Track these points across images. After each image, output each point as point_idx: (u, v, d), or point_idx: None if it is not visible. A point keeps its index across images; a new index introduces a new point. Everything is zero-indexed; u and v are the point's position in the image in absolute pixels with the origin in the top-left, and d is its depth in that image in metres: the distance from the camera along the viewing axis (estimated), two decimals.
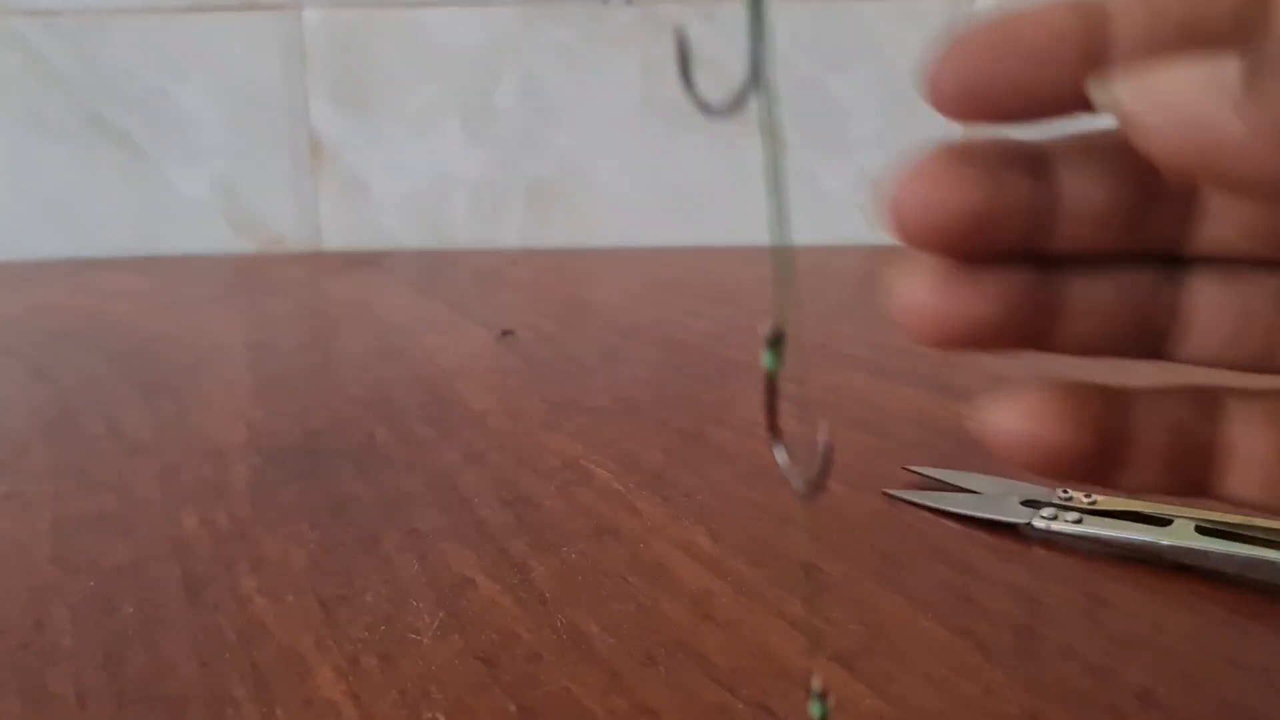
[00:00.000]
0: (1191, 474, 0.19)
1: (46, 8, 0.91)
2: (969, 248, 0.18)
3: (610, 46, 0.92)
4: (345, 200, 0.95)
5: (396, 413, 0.49)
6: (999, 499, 0.37)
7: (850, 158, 0.92)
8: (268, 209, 0.95)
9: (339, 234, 0.95)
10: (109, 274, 0.86)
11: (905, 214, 0.18)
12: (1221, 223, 0.19)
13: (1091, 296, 0.19)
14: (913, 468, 0.40)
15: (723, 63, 0.79)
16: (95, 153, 0.93)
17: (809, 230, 0.85)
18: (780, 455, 0.17)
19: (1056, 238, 0.19)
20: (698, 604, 0.31)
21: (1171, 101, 0.15)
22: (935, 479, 0.39)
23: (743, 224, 0.88)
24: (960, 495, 0.37)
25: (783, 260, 0.16)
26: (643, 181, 0.93)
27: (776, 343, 0.17)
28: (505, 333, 0.64)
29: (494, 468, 0.42)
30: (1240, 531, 0.32)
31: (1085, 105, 0.17)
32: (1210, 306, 0.19)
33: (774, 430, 0.17)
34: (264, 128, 0.93)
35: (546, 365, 0.57)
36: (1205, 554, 0.32)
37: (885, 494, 0.38)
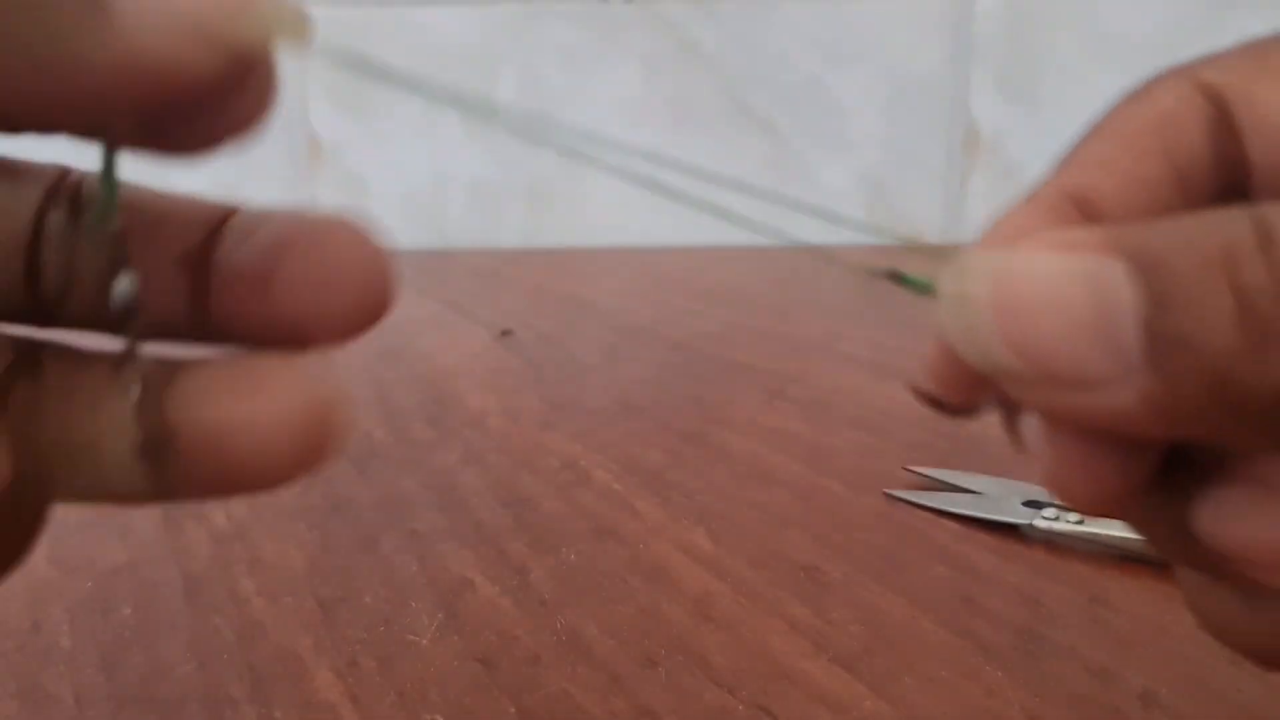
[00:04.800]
0: None
1: None
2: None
3: (610, 44, 0.92)
4: (344, 199, 0.95)
5: (395, 412, 0.48)
6: (1000, 499, 0.37)
7: (851, 156, 0.92)
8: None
9: None
10: None
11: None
12: None
13: None
14: (914, 468, 0.40)
15: (721, 60, 0.79)
16: None
17: (809, 229, 0.84)
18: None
19: None
20: (698, 605, 0.31)
21: (1036, 325, 0.13)
22: (936, 479, 0.39)
23: (739, 229, 0.88)
24: (961, 495, 0.37)
25: None
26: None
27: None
28: (504, 332, 0.64)
29: (493, 468, 0.41)
30: None
31: None
32: None
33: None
34: (262, 129, 0.93)
35: (546, 365, 0.56)
36: None
37: (886, 494, 0.38)
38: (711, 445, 0.44)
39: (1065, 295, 0.13)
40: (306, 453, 0.15)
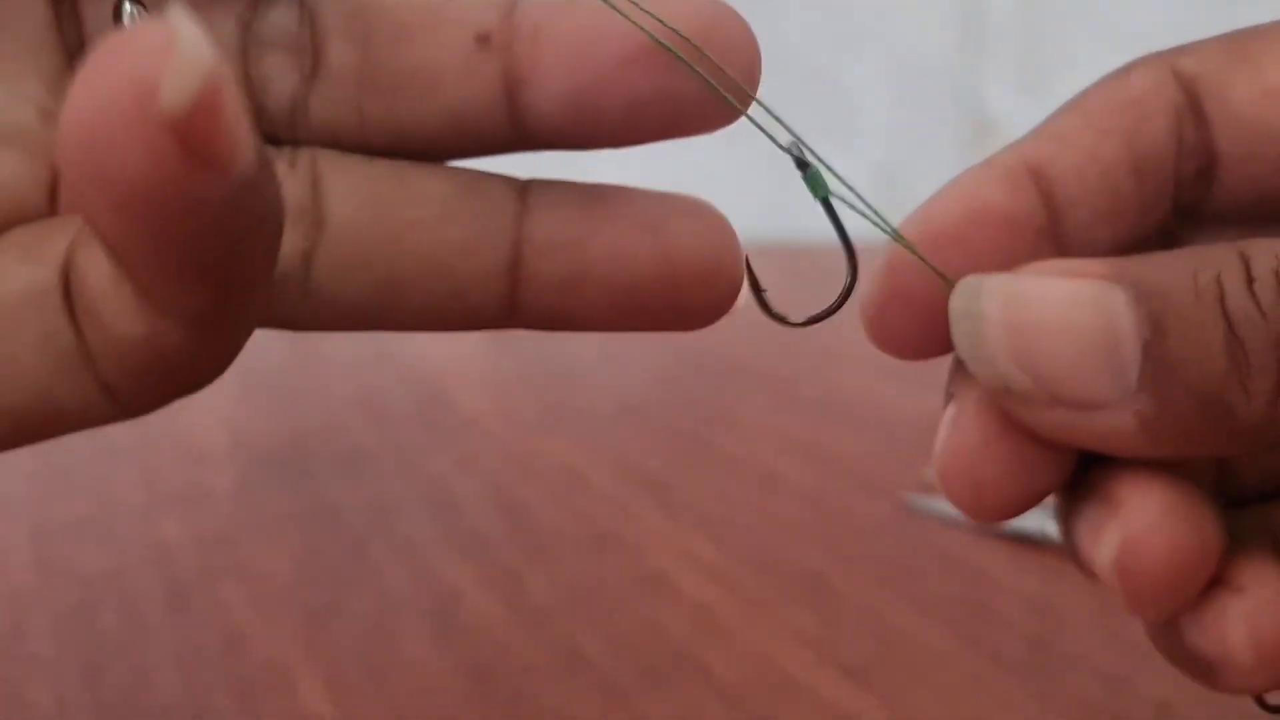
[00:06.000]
0: None
1: None
2: None
3: None
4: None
5: (385, 416, 0.48)
6: None
7: (861, 148, 0.91)
8: None
9: None
10: None
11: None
12: None
13: None
14: (925, 473, 0.39)
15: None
16: None
17: (817, 223, 0.84)
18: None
19: None
20: (700, 615, 0.31)
21: (1046, 345, 0.14)
22: None
23: (747, 220, 0.87)
24: None
25: None
26: (644, 177, 0.92)
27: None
28: (497, 333, 0.63)
29: (487, 473, 0.41)
30: None
31: None
32: None
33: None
34: None
35: (542, 366, 0.56)
36: None
37: (896, 500, 0.38)
38: (714, 449, 0.44)
39: (1074, 319, 0.14)
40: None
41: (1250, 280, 0.13)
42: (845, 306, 0.17)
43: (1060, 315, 0.14)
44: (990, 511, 0.16)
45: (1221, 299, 0.13)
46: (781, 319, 0.17)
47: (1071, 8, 0.86)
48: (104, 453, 0.44)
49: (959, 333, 0.15)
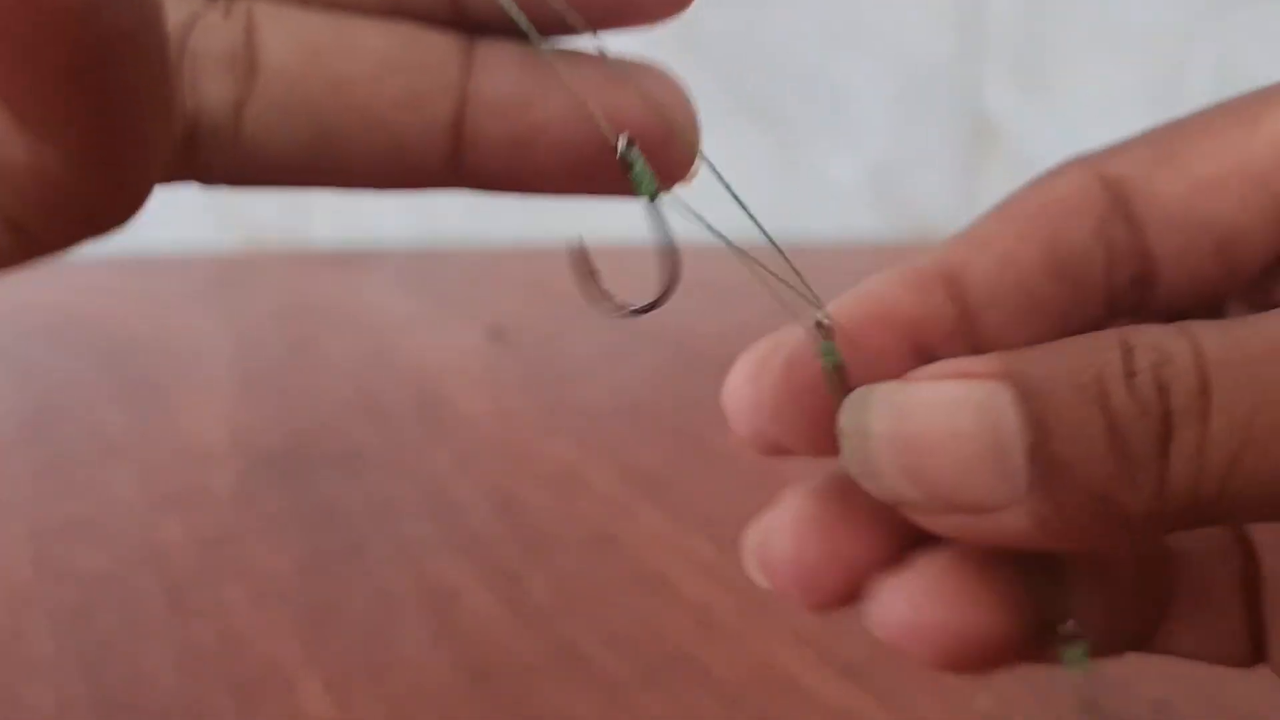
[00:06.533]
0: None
1: None
2: None
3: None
4: (333, 194, 0.94)
5: (384, 415, 0.48)
6: None
7: (859, 148, 0.91)
8: (255, 203, 0.94)
9: (327, 228, 0.95)
10: (87, 271, 0.85)
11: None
12: None
13: None
14: None
15: (722, 49, 0.79)
16: None
17: (816, 224, 0.84)
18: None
19: None
20: (699, 615, 0.31)
21: (932, 458, 0.14)
22: None
23: (748, 219, 0.87)
24: None
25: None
26: None
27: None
28: (497, 332, 0.63)
29: (486, 473, 0.41)
30: None
31: None
32: None
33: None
34: None
35: (542, 366, 0.56)
36: None
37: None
38: (714, 448, 0.44)
39: (959, 427, 0.14)
40: None
41: (1131, 374, 0.13)
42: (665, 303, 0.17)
43: (946, 424, 0.14)
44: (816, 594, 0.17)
45: (1103, 397, 0.13)
46: (610, 305, 0.17)
47: (1071, 9, 0.86)
48: (103, 453, 0.44)
49: (847, 449, 0.15)
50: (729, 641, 0.29)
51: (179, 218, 0.96)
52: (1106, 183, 0.16)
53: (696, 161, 0.17)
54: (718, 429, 0.48)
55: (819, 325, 0.15)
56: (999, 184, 0.88)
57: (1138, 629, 0.17)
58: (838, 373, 0.15)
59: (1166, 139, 0.17)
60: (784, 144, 0.93)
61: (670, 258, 0.17)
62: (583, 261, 0.17)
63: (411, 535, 0.36)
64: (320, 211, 0.94)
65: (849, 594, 0.17)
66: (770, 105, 1.02)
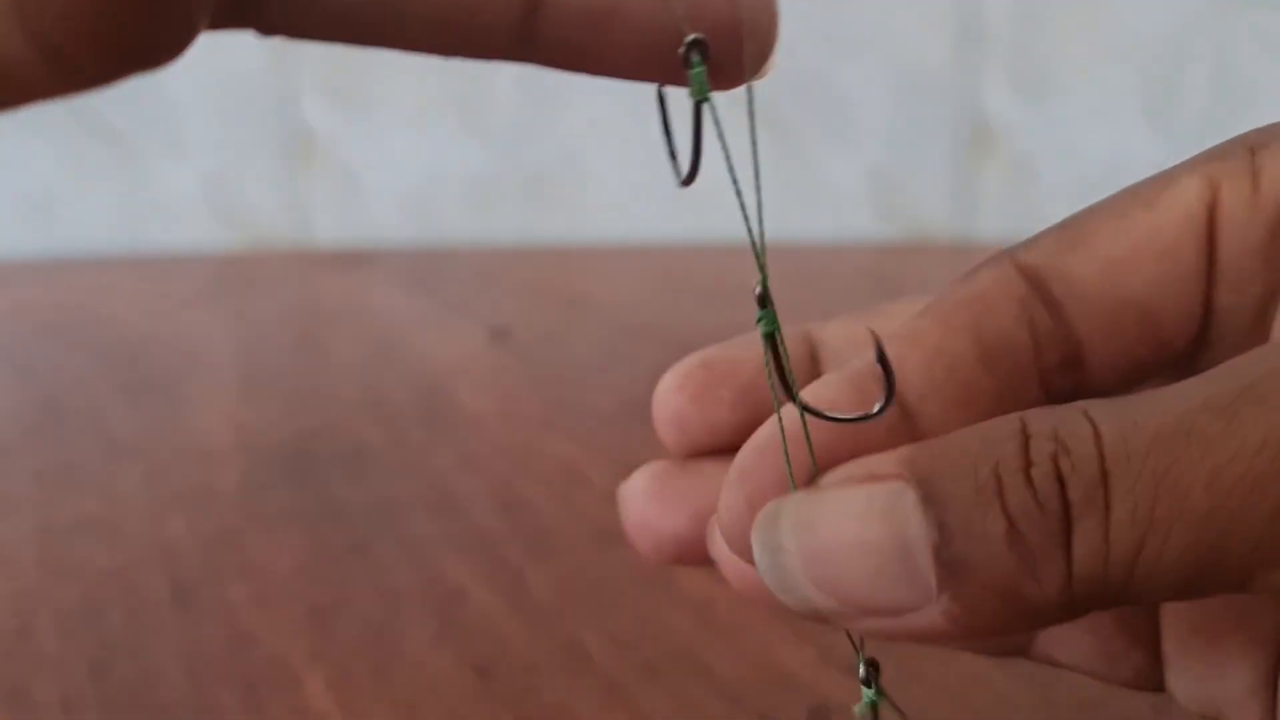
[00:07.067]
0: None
1: None
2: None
3: None
4: (337, 195, 0.94)
5: (388, 414, 0.48)
6: None
7: (857, 150, 0.91)
8: (257, 204, 0.94)
9: (330, 229, 0.95)
10: (94, 270, 0.85)
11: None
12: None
13: None
14: None
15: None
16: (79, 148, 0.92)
17: (815, 226, 0.84)
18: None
19: None
20: (701, 612, 0.31)
21: (843, 569, 0.14)
22: None
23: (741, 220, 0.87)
24: None
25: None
26: (645, 174, 0.92)
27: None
28: (501, 332, 0.63)
29: (489, 472, 0.41)
30: None
31: None
32: None
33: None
34: (253, 121, 0.92)
35: (544, 365, 0.56)
36: None
37: None
38: None
39: (865, 536, 0.14)
40: None
41: (1028, 466, 0.13)
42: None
43: (853, 534, 0.14)
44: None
45: (1000, 493, 0.13)
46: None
47: (1068, 13, 0.86)
48: (109, 452, 0.44)
49: (762, 566, 0.15)
50: (731, 639, 0.29)
51: (183, 221, 0.96)
52: (1023, 271, 0.17)
53: (769, 61, 0.17)
54: None
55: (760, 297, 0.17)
56: (996, 187, 0.89)
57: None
58: (772, 350, 0.16)
59: (1074, 225, 0.17)
60: (783, 146, 0.93)
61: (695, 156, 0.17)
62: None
63: (415, 533, 0.36)
64: (322, 213, 0.95)
65: (676, 553, 0.20)
66: (770, 107, 1.02)
